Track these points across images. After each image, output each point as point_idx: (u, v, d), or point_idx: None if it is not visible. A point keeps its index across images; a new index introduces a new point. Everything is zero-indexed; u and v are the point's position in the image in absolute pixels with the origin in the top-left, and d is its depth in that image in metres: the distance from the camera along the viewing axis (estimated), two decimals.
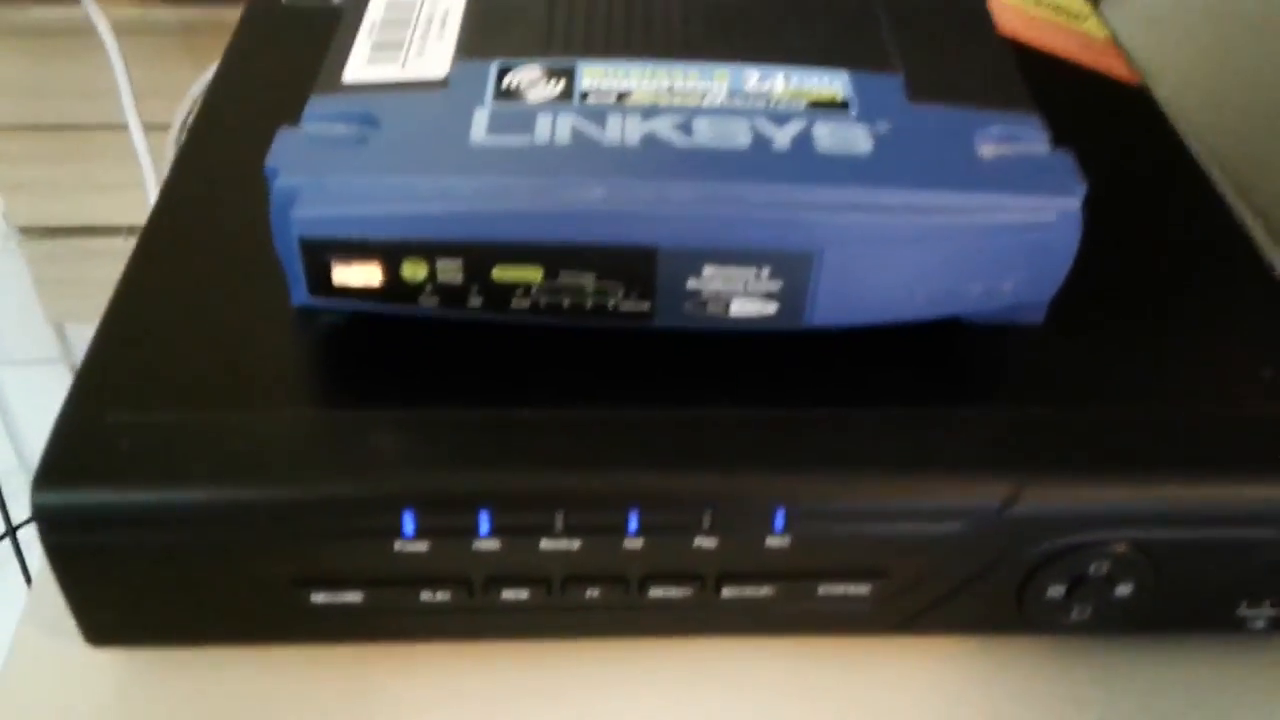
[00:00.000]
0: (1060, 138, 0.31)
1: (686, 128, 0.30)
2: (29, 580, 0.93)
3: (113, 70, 0.63)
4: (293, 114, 0.30)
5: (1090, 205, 0.29)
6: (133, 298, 0.32)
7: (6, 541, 0.93)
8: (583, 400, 0.30)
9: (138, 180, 0.67)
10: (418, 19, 0.34)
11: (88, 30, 0.62)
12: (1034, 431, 0.29)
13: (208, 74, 0.62)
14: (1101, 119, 0.41)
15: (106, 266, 0.83)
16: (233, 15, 0.71)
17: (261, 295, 0.32)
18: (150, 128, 0.65)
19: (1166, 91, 0.59)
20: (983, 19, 0.35)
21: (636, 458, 0.29)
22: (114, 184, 0.76)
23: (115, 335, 0.31)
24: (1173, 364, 0.32)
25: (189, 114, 0.61)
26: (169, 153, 0.65)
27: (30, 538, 0.93)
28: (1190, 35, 0.57)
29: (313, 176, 0.28)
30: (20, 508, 0.93)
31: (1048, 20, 0.45)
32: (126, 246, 0.85)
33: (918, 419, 0.30)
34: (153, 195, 0.68)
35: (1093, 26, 0.45)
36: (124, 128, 0.65)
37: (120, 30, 0.69)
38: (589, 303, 0.29)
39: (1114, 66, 0.42)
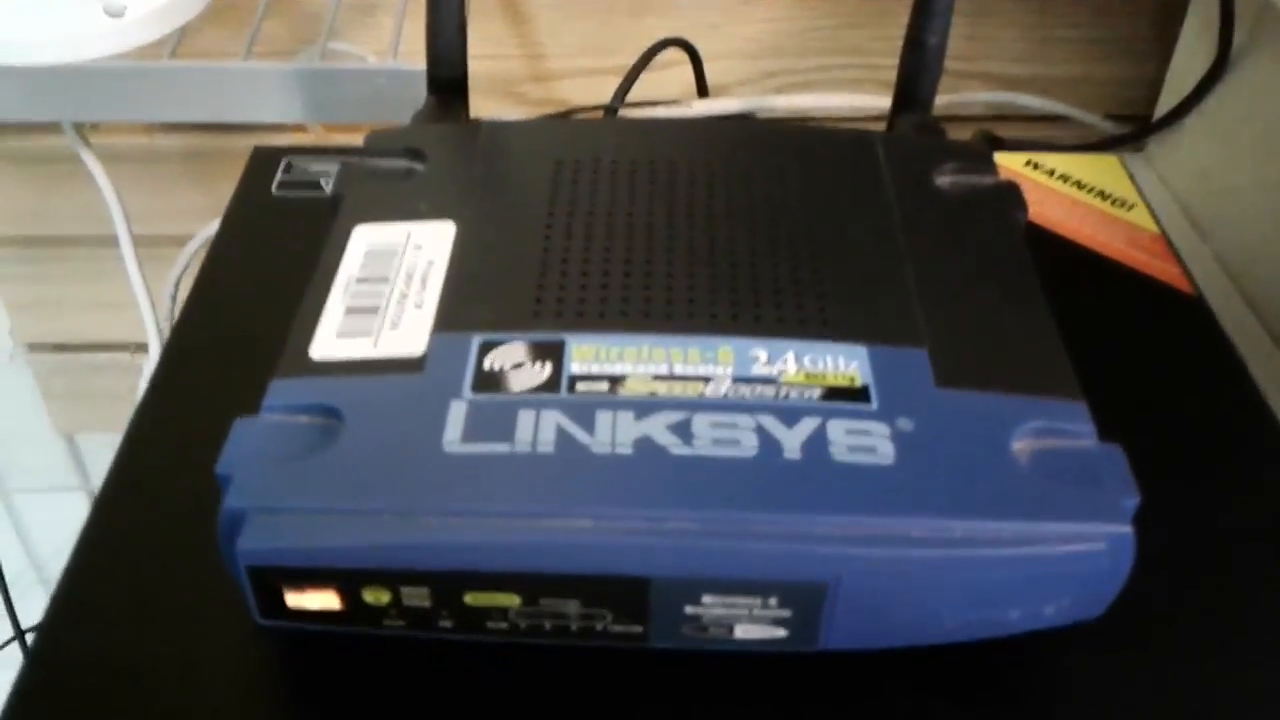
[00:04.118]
0: (1108, 363, 0.28)
1: (685, 430, 0.26)
2: None
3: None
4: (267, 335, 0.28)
5: (1146, 453, 0.26)
6: (77, 609, 0.29)
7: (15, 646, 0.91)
8: None
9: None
10: (397, 274, 0.31)
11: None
12: None
13: (205, 230, 0.59)
14: (1155, 338, 0.37)
15: (114, 380, 0.81)
16: (233, 143, 0.69)
17: (217, 594, 0.29)
18: (151, 257, 0.63)
19: (1215, 244, 0.56)
20: (1022, 274, 0.31)
21: None
22: (119, 303, 0.74)
23: (59, 658, 0.28)
24: (1233, 671, 0.28)
25: (183, 271, 0.59)
26: (166, 293, 0.63)
27: None
28: (1237, 184, 0.53)
29: (261, 501, 0.25)
30: (28, 611, 0.91)
31: (1091, 208, 0.42)
32: (133, 361, 0.83)
33: None
34: (148, 319, 0.65)
35: (1140, 217, 0.41)
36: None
37: (125, 157, 0.68)
38: (574, 626, 0.26)
39: (1166, 271, 0.39)
